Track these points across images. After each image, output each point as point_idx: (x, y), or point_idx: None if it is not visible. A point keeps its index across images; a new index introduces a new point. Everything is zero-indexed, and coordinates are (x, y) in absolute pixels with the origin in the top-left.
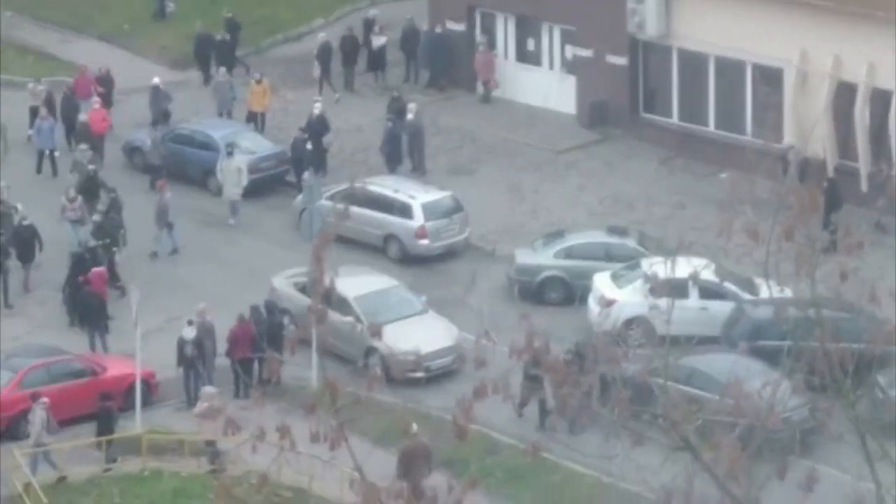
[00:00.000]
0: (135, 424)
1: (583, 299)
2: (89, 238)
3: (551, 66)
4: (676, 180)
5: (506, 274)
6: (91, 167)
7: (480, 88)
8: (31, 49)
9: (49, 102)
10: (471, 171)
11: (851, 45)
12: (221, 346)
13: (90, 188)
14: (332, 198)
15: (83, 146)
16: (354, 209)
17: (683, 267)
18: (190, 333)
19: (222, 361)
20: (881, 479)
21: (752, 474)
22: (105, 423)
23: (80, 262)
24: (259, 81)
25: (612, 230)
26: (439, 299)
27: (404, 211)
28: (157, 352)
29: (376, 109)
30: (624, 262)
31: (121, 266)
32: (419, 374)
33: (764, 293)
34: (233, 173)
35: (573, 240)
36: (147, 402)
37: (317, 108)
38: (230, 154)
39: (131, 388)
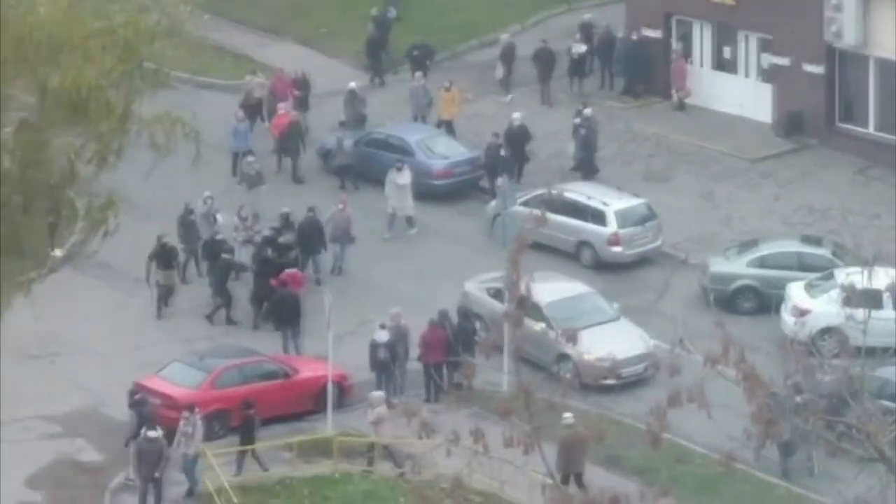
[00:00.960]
0: (327, 426)
1: (776, 309)
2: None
3: (747, 75)
4: (872, 190)
5: (698, 282)
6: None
7: (675, 96)
8: (228, 51)
9: (247, 104)
10: (665, 178)
11: None
12: (414, 350)
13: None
14: (525, 203)
15: (250, 158)
16: (548, 215)
17: (879, 277)
18: (383, 337)
19: (413, 365)
20: None
21: None
22: (247, 431)
23: (265, 264)
24: (448, 89)
25: (807, 240)
26: (631, 306)
27: (598, 218)
28: (349, 354)
29: (571, 116)
30: (818, 272)
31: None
32: (611, 381)
33: None
34: (402, 188)
35: (767, 249)
36: (340, 405)
37: (517, 119)
38: (399, 169)
39: (324, 390)
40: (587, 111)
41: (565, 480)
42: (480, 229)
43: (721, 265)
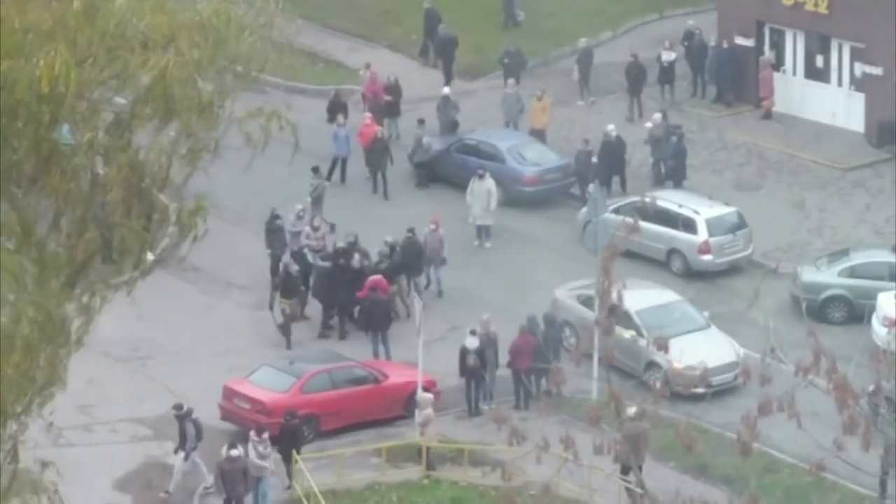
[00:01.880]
0: (415, 432)
1: (867, 318)
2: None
3: (840, 84)
4: None
5: (789, 291)
6: (320, 184)
7: (763, 105)
8: (319, 56)
9: (344, 108)
10: (756, 187)
11: None
12: (503, 357)
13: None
14: (616, 211)
15: (314, 181)
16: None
17: None
18: (473, 343)
19: (502, 371)
20: None
21: None
22: (287, 440)
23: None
24: (540, 98)
25: None
26: (721, 315)
27: (688, 226)
28: (438, 360)
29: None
30: None
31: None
32: (701, 390)
33: None
34: (482, 196)
35: (858, 259)
36: None
37: (612, 131)
38: (481, 177)
39: (413, 395)
40: (656, 116)
41: (625, 472)
42: (571, 236)
43: (812, 274)
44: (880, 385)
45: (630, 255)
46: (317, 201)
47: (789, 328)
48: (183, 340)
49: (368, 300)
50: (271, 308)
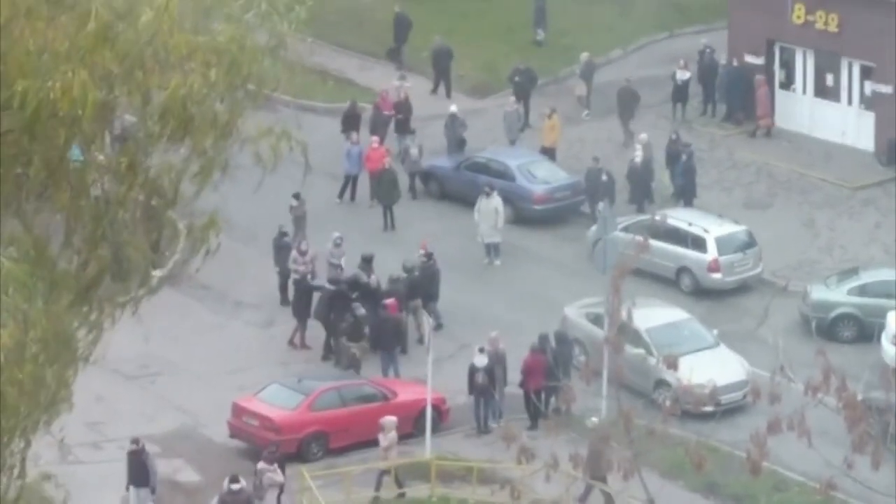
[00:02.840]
0: (424, 450)
1: (877, 337)
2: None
3: (850, 102)
4: None
5: (799, 310)
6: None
7: (758, 124)
8: (330, 74)
9: (358, 119)
10: (766, 205)
11: None
12: (512, 374)
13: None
14: (626, 229)
15: (294, 202)
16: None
17: None
18: (481, 361)
19: (511, 390)
20: None
21: None
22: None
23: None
24: (549, 116)
25: None
26: (731, 333)
27: (698, 244)
28: (448, 378)
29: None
30: None
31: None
32: (710, 408)
33: None
34: (489, 214)
35: (867, 277)
36: (437, 428)
37: (638, 156)
38: (488, 195)
39: (422, 413)
40: (643, 136)
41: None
42: (581, 254)
43: (821, 293)
44: (891, 403)
45: (640, 273)
46: (298, 223)
47: (799, 347)
48: (192, 358)
49: (380, 318)
50: (332, 351)
